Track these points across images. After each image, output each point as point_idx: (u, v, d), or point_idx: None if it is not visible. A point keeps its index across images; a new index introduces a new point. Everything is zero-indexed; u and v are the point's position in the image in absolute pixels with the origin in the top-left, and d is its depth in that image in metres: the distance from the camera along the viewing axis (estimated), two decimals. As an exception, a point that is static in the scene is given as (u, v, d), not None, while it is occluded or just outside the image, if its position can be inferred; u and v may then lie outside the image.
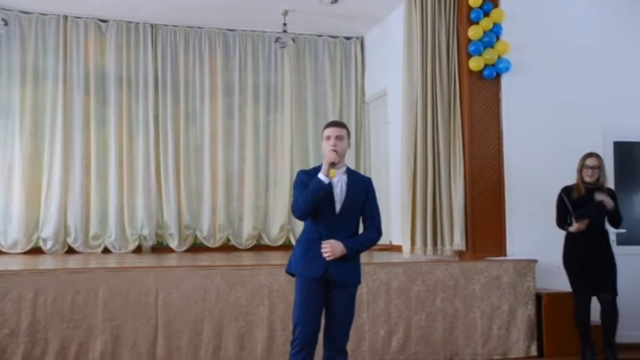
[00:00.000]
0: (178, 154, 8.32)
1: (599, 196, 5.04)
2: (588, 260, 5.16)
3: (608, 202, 5.04)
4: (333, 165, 3.56)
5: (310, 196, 3.53)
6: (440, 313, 5.41)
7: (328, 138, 3.65)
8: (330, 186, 3.56)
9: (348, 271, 3.63)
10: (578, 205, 5.13)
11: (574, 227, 5.14)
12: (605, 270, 5.17)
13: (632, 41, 6.50)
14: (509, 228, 6.03)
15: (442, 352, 5.39)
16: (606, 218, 5.25)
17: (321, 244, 3.58)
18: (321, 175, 3.55)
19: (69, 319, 4.70)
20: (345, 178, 3.67)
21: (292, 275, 3.73)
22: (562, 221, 5.30)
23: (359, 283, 3.71)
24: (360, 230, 3.76)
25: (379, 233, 3.74)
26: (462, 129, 6.05)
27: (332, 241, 3.56)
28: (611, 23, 6.45)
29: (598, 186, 5.19)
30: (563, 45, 6.28)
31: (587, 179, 5.19)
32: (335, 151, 3.58)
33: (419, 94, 6.17)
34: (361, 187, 3.70)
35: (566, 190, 5.26)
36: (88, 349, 4.72)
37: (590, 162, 5.20)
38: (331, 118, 8.71)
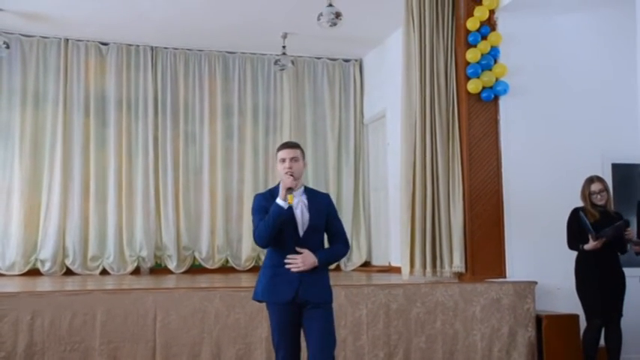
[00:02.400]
0: (177, 175, 8.34)
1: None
2: (601, 282, 5.16)
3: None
4: (290, 190, 3.48)
5: (271, 223, 3.46)
6: (440, 335, 5.37)
7: (283, 160, 3.57)
8: (290, 209, 3.49)
9: (318, 290, 3.56)
10: (594, 228, 5.11)
11: (590, 245, 5.12)
12: (616, 292, 5.18)
13: (629, 63, 6.52)
14: (508, 249, 6.01)
15: (442, 374, 5.34)
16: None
17: (287, 269, 3.50)
18: (279, 200, 3.47)
19: (66, 341, 4.66)
20: (304, 198, 3.61)
21: (260, 302, 3.67)
22: (574, 241, 5.29)
23: (331, 301, 3.64)
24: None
25: (347, 246, 3.77)
26: (460, 151, 6.06)
27: (305, 252, 3.50)
28: (608, 46, 6.49)
29: (608, 208, 5.24)
30: (561, 67, 6.32)
31: (599, 203, 5.24)
32: (291, 174, 3.52)
33: (417, 116, 6.19)
34: (322, 205, 3.66)
35: (580, 211, 5.26)
36: (85, 372, 4.68)
37: (595, 187, 5.25)
38: (330, 140, 8.78)
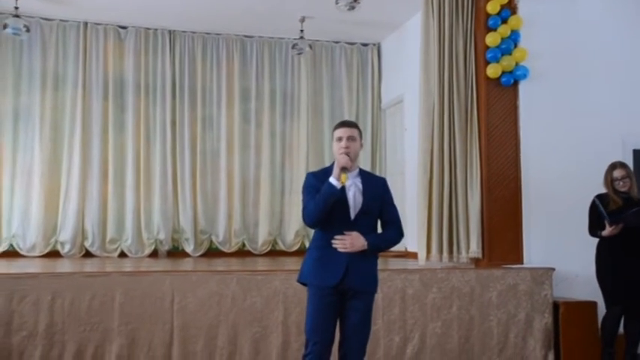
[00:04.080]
0: (195, 159, 8.37)
1: None
2: (622, 269, 5.11)
3: None
4: (345, 169, 3.36)
5: (321, 203, 3.34)
6: (455, 321, 5.37)
7: (340, 139, 3.46)
8: (342, 190, 3.38)
9: (365, 277, 3.45)
10: (617, 215, 5.05)
11: (607, 231, 5.09)
12: (637, 280, 5.13)
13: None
14: (526, 235, 5.98)
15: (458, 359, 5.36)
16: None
17: (335, 251, 3.39)
18: (332, 180, 3.34)
19: (86, 322, 4.73)
20: (358, 181, 3.50)
21: (304, 285, 3.55)
22: (594, 229, 5.24)
23: (375, 291, 3.53)
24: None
25: (400, 233, 3.58)
26: (478, 136, 6.01)
27: (354, 233, 3.39)
28: (629, 30, 6.40)
29: (631, 195, 5.18)
30: (582, 52, 6.23)
31: (622, 189, 5.18)
32: (347, 154, 3.41)
33: (436, 101, 6.15)
34: (377, 189, 3.54)
35: (600, 198, 5.21)
36: (104, 352, 4.75)
37: (617, 174, 5.18)
38: (347, 125, 8.72)
